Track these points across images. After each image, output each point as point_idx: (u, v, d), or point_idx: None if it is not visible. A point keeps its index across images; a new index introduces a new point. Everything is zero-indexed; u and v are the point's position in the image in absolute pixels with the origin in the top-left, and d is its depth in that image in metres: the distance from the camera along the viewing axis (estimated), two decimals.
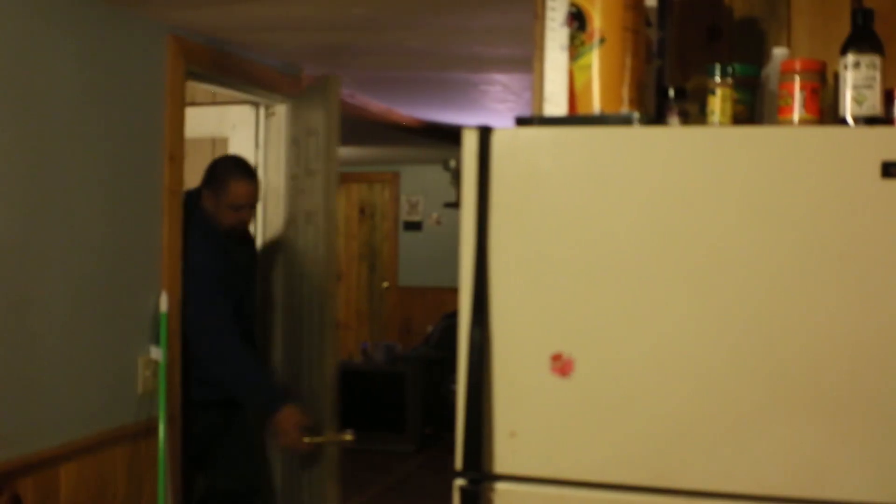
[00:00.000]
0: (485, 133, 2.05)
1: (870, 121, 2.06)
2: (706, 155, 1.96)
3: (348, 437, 3.96)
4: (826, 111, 2.14)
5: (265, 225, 4.59)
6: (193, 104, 4.48)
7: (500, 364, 2.04)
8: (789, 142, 1.93)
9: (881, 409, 1.88)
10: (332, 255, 4.18)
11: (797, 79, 2.10)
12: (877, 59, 2.07)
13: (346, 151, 9.54)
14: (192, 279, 3.84)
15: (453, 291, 2.23)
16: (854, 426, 1.89)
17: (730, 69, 2.13)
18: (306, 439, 3.85)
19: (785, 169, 1.92)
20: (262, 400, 3.91)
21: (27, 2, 3.13)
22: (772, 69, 2.29)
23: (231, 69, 4.26)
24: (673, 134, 2.04)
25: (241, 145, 4.58)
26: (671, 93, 2.25)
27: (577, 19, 2.10)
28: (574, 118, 2.11)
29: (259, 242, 4.60)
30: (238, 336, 3.91)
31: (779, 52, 2.32)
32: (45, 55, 3.21)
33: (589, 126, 2.06)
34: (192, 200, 3.96)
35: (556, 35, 2.26)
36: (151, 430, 3.71)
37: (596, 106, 2.09)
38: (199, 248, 3.91)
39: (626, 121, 2.05)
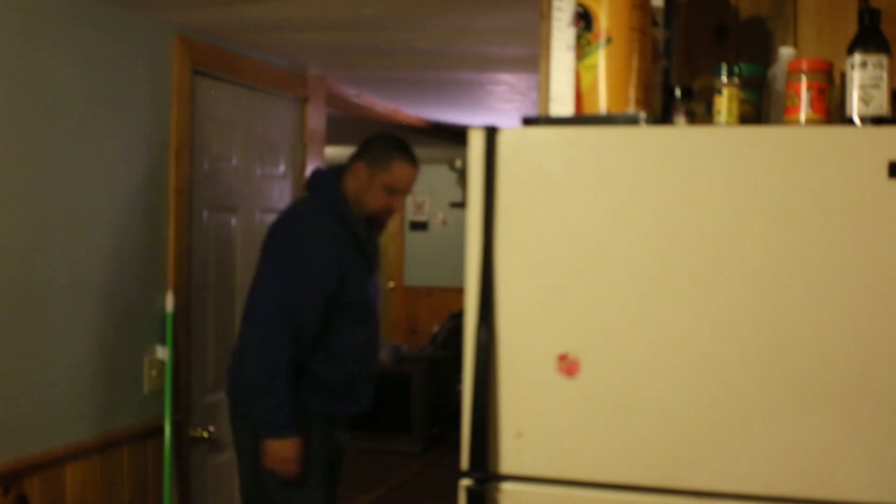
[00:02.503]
0: (491, 133, 2.05)
1: (877, 121, 2.06)
2: (712, 155, 1.96)
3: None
4: (833, 111, 2.14)
5: None
6: None
7: (507, 364, 2.04)
8: (796, 142, 1.93)
9: (889, 410, 1.88)
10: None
11: (804, 78, 2.10)
12: (884, 59, 2.07)
13: (351, 151, 9.54)
14: (294, 267, 3.38)
15: (459, 291, 2.23)
16: (862, 427, 1.89)
17: (736, 69, 2.13)
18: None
19: (792, 169, 1.92)
20: (280, 418, 3.39)
21: (34, 3, 3.14)
22: (778, 69, 2.28)
23: (237, 69, 4.27)
24: (679, 134, 2.04)
25: None
26: (678, 93, 2.25)
27: (584, 19, 2.10)
28: (580, 118, 2.11)
29: None
30: (288, 347, 3.37)
31: (785, 52, 2.31)
32: (51, 56, 3.21)
33: (595, 126, 2.06)
34: (322, 179, 3.62)
35: (562, 35, 2.26)
36: (157, 430, 3.72)
37: (602, 106, 2.09)
38: (320, 238, 3.43)
39: (632, 121, 2.04)
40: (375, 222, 3.58)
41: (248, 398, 3.41)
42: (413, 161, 3.59)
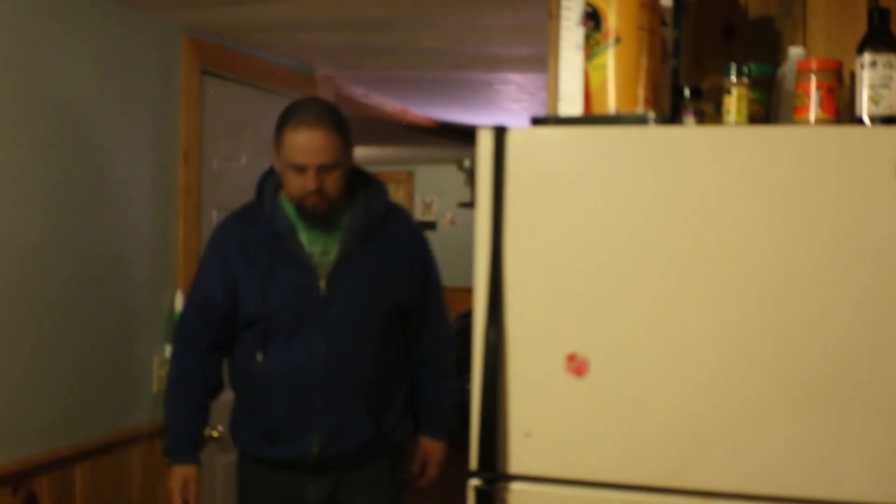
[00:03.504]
0: (500, 133, 2.05)
1: (886, 120, 2.05)
2: (722, 155, 1.96)
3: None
4: (842, 111, 2.13)
5: None
6: None
7: (515, 364, 2.04)
8: (805, 141, 1.93)
9: (893, 410, 1.87)
10: None
11: (813, 78, 2.09)
12: (893, 59, 2.06)
13: (360, 151, 9.54)
14: (196, 274, 3.10)
15: (468, 291, 2.23)
16: (870, 427, 1.88)
17: (745, 69, 2.12)
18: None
19: (801, 169, 1.91)
20: (167, 441, 3.02)
21: (43, 4, 3.14)
22: (788, 68, 2.28)
23: (246, 69, 4.27)
24: (688, 133, 2.04)
25: None
26: (686, 92, 2.25)
27: (593, 19, 2.10)
28: (589, 118, 2.11)
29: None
30: (196, 358, 2.99)
31: (795, 52, 2.31)
32: (61, 56, 3.22)
33: (604, 126, 2.05)
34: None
35: (571, 34, 2.26)
36: (166, 430, 3.72)
37: (611, 106, 2.08)
38: (210, 243, 3.05)
39: (641, 120, 2.04)
40: (310, 213, 2.85)
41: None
42: (307, 123, 2.78)
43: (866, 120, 2.07)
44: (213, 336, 2.97)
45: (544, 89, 4.28)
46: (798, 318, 1.91)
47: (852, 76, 2.16)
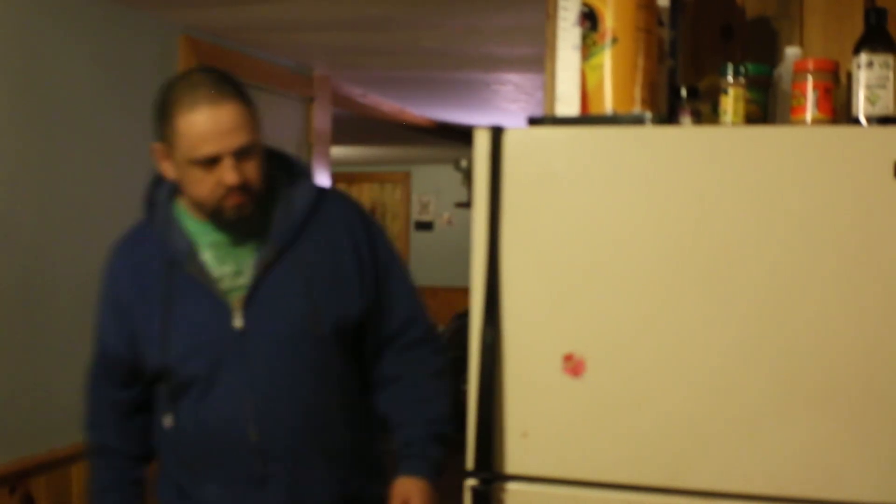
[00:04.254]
0: (497, 133, 2.05)
1: (883, 120, 2.05)
2: (718, 155, 1.96)
3: None
4: (839, 111, 2.13)
5: None
6: None
7: (512, 364, 2.04)
8: (802, 141, 1.93)
9: (891, 409, 1.87)
10: None
11: (810, 78, 2.10)
12: (890, 59, 2.06)
13: (357, 151, 9.56)
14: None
15: (465, 292, 2.23)
16: (866, 427, 1.88)
17: (742, 69, 2.12)
18: None
19: (797, 169, 1.91)
20: None
21: (42, 4, 3.14)
22: (784, 69, 2.28)
23: (243, 69, 4.27)
24: (685, 134, 2.04)
25: None
26: (683, 92, 2.25)
27: (590, 19, 2.10)
28: (586, 118, 2.11)
29: None
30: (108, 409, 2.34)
31: (791, 52, 2.31)
32: (59, 56, 3.22)
33: (601, 126, 2.05)
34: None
35: (568, 35, 2.26)
36: None
37: (608, 106, 2.08)
38: (103, 283, 2.33)
39: (638, 121, 2.04)
40: (233, 219, 2.16)
41: None
42: (207, 100, 2.10)
43: (863, 120, 2.07)
44: (124, 396, 2.31)
45: (541, 89, 4.28)
46: (794, 319, 1.91)
47: (849, 76, 2.16)
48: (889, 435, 1.88)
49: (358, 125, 6.77)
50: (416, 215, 11.21)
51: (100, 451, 2.36)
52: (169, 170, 2.19)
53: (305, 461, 2.22)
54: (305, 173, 2.36)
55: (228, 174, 2.09)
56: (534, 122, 2.12)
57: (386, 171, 11.27)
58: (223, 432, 2.18)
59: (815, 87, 2.09)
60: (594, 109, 2.10)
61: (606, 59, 2.08)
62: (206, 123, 2.08)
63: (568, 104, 2.24)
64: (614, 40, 2.07)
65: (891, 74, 2.06)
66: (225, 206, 2.13)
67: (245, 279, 2.19)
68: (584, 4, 2.10)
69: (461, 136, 7.19)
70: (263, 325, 2.18)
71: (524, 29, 3.75)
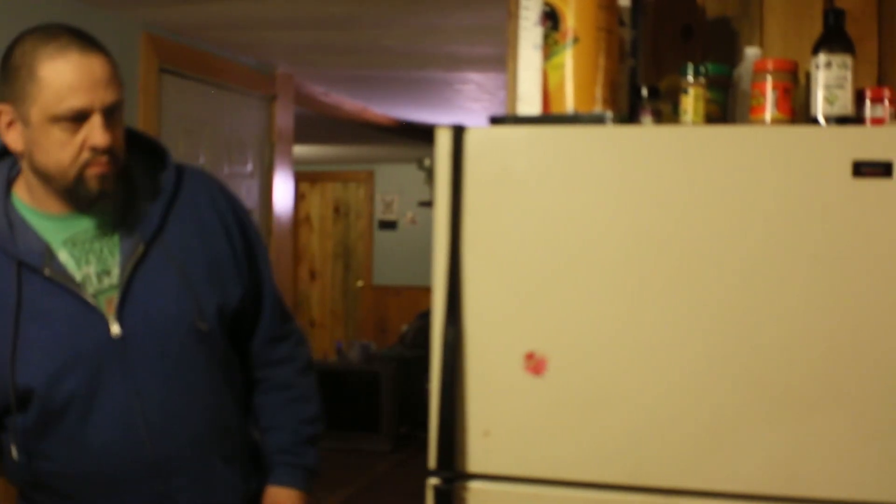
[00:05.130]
0: (458, 132, 2.05)
1: (841, 120, 2.07)
2: (679, 154, 1.97)
3: None
4: (798, 111, 2.15)
5: None
6: None
7: (474, 363, 2.04)
8: (761, 141, 1.94)
9: (856, 408, 1.89)
10: None
11: (769, 78, 2.11)
12: (848, 59, 2.08)
13: (320, 150, 9.54)
14: None
15: (428, 290, 2.22)
16: (829, 425, 1.90)
17: (703, 69, 2.14)
18: None
19: (757, 168, 1.93)
20: None
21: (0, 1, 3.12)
22: (744, 69, 2.29)
23: (204, 67, 4.25)
24: (646, 133, 2.05)
25: None
26: (644, 92, 2.26)
27: (551, 18, 2.10)
28: (547, 117, 2.11)
29: None
30: None
31: (751, 52, 2.33)
32: None
33: (562, 125, 2.06)
34: None
35: (529, 34, 2.26)
36: None
37: (569, 105, 2.09)
38: None
39: (599, 120, 2.05)
40: (94, 194, 1.87)
41: None
42: (77, 47, 1.85)
43: (821, 120, 2.09)
44: None
45: (503, 89, 4.28)
46: (756, 317, 1.92)
47: (808, 77, 2.18)
48: (852, 433, 1.89)
49: (321, 124, 6.75)
50: (379, 214, 11.20)
51: None
52: (14, 138, 1.85)
53: (211, 468, 2.01)
54: (159, 146, 2.05)
55: (98, 133, 1.80)
56: (495, 121, 2.12)
57: (349, 171, 11.25)
58: (113, 456, 1.90)
59: (774, 87, 2.11)
60: (556, 109, 2.10)
61: (568, 58, 2.09)
62: (76, 72, 1.80)
63: (529, 103, 2.25)
64: (575, 40, 2.08)
65: (849, 75, 2.08)
66: (87, 175, 1.83)
67: (113, 279, 1.91)
68: (546, 4, 2.11)
69: (424, 135, 7.19)
70: (143, 328, 1.90)
71: (486, 28, 3.76)
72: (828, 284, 1.90)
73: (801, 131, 1.97)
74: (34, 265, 1.85)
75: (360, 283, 11.18)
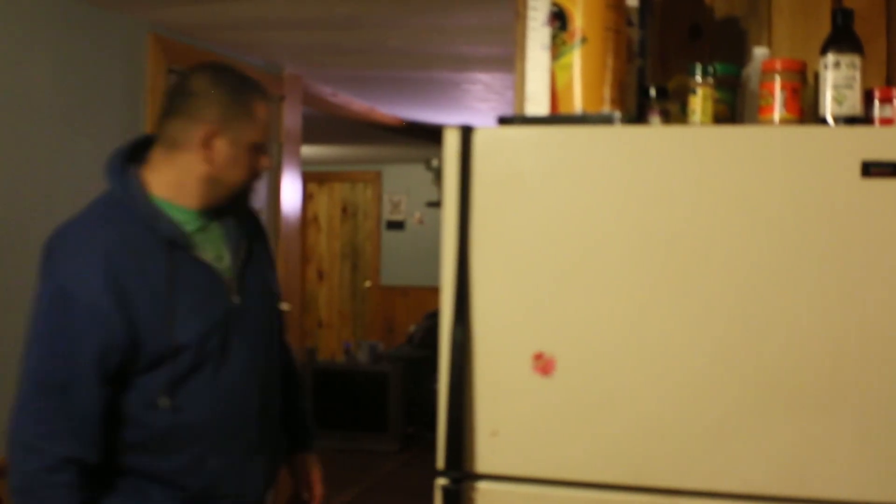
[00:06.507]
0: (466, 132, 2.05)
1: (850, 120, 2.07)
2: (687, 154, 1.97)
3: None
4: (806, 111, 2.15)
5: None
6: None
7: (482, 363, 2.04)
8: (770, 141, 1.94)
9: (863, 407, 1.89)
10: None
11: (778, 78, 2.11)
12: (857, 59, 2.08)
13: (328, 150, 9.54)
14: (54, 314, 2.14)
15: (436, 291, 2.23)
16: (836, 424, 1.90)
17: (711, 69, 2.13)
18: None
19: (765, 168, 1.92)
20: None
21: (10, 2, 3.12)
22: (752, 69, 2.29)
23: None
24: (654, 133, 2.05)
25: None
26: (652, 92, 2.26)
27: (559, 19, 2.10)
28: (555, 118, 2.11)
29: None
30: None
31: (759, 52, 2.32)
32: (26, 54, 3.19)
33: (570, 125, 2.06)
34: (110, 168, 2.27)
35: (537, 34, 2.26)
36: None
37: (577, 105, 2.09)
38: (84, 263, 2.15)
39: (607, 120, 2.05)
40: (239, 200, 2.32)
41: None
42: (263, 92, 2.31)
43: (830, 120, 2.08)
44: (104, 396, 2.12)
45: (511, 89, 4.28)
46: (764, 317, 1.92)
47: (816, 77, 2.18)
48: (858, 433, 1.89)
49: (328, 124, 6.76)
50: (387, 215, 11.19)
51: (66, 467, 2.07)
52: (209, 154, 2.21)
53: (276, 426, 2.42)
54: None
55: (267, 162, 2.30)
56: (503, 121, 2.12)
57: (357, 171, 11.25)
58: (236, 405, 2.26)
59: (782, 87, 2.10)
60: (564, 109, 2.10)
61: (576, 58, 2.09)
62: (267, 114, 2.28)
63: (537, 104, 2.25)
64: (583, 40, 2.08)
65: (857, 75, 2.07)
66: (249, 189, 2.32)
67: (225, 263, 2.29)
68: (554, 4, 2.11)
69: (432, 135, 7.19)
70: (253, 301, 2.32)
71: (494, 28, 3.76)
72: (836, 285, 1.89)
73: (810, 131, 1.97)
74: (183, 245, 2.20)
75: (367, 284, 11.18)
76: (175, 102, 2.24)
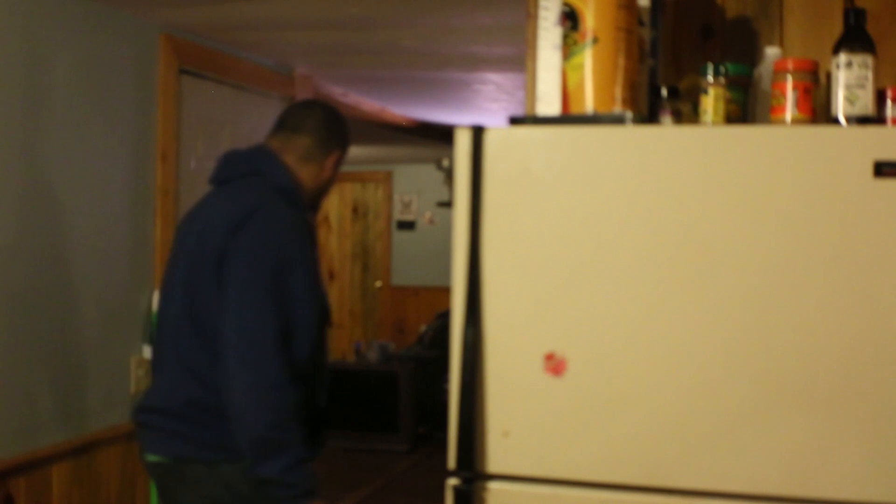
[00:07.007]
0: (478, 132, 2.05)
1: (862, 120, 2.06)
2: (699, 154, 1.96)
3: None
4: (818, 111, 2.14)
5: None
6: None
7: (493, 363, 2.04)
8: (782, 141, 1.94)
9: (874, 408, 1.88)
10: None
11: (790, 78, 2.10)
12: (869, 59, 2.07)
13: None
14: (281, 276, 2.59)
15: (446, 291, 2.23)
16: (847, 425, 1.89)
17: (722, 69, 2.13)
18: None
19: (777, 168, 1.92)
20: (291, 479, 2.51)
21: (21, 2, 3.13)
22: (764, 69, 2.29)
23: (223, 68, 4.26)
24: (665, 133, 2.04)
25: None
26: (664, 92, 2.25)
27: (570, 19, 2.10)
28: (567, 118, 2.11)
29: None
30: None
31: (771, 52, 2.32)
32: (38, 55, 3.20)
33: (582, 125, 2.06)
34: (265, 160, 2.77)
35: (548, 34, 2.26)
36: None
37: (589, 105, 2.09)
38: (293, 231, 2.68)
39: (618, 120, 2.05)
40: (316, 204, 2.92)
41: (255, 457, 2.49)
42: None
43: (842, 120, 2.08)
44: (301, 359, 2.65)
45: (522, 89, 4.28)
46: (776, 317, 1.92)
47: (828, 76, 2.17)
48: (869, 433, 1.88)
49: None
50: (398, 215, 11.20)
51: (295, 409, 2.55)
52: (328, 168, 2.86)
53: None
54: None
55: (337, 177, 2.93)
56: (515, 121, 2.12)
57: (367, 171, 11.25)
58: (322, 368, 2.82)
59: (794, 87, 2.10)
60: (575, 109, 2.10)
61: (587, 58, 2.09)
62: None
63: (549, 104, 2.25)
64: (595, 40, 2.08)
65: (870, 74, 2.07)
66: (325, 195, 2.93)
67: None
68: (565, 4, 2.11)
69: (442, 135, 7.18)
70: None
71: (504, 28, 3.75)
72: (848, 285, 1.89)
73: (822, 131, 1.97)
74: (314, 228, 2.84)
75: (378, 284, 11.18)
76: (307, 124, 2.84)
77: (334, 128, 2.90)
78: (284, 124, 2.87)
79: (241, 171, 2.75)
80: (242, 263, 2.55)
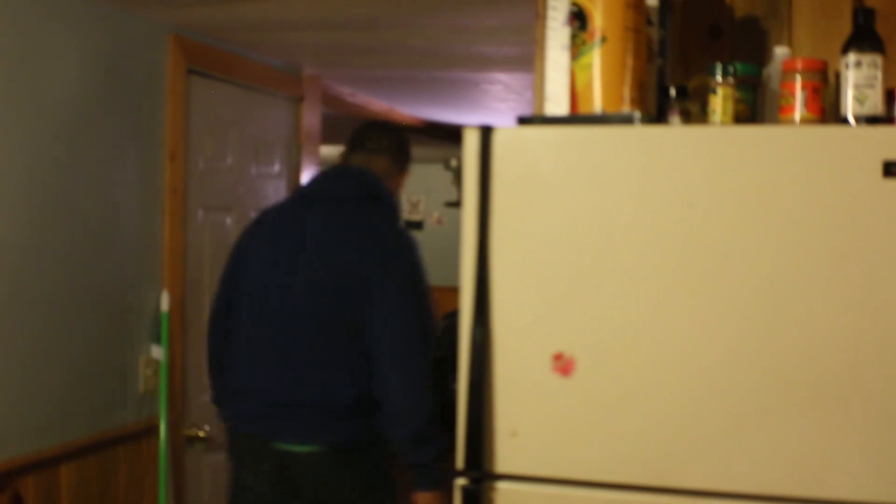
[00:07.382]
0: (486, 132, 2.05)
1: (871, 120, 2.06)
2: (707, 154, 1.96)
3: None
4: (827, 110, 2.14)
5: None
6: None
7: (502, 363, 2.04)
8: (791, 141, 1.93)
9: (880, 409, 1.88)
10: None
11: (798, 78, 2.10)
12: (878, 59, 2.07)
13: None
14: (418, 285, 3.11)
15: (454, 291, 2.23)
16: (854, 425, 1.89)
17: (731, 68, 2.13)
18: None
19: (786, 168, 1.92)
20: (435, 465, 3.05)
21: (28, 3, 3.13)
22: (773, 68, 2.28)
23: (232, 68, 4.27)
24: (674, 133, 2.04)
25: None
26: (672, 92, 2.25)
27: (579, 18, 2.10)
28: (575, 117, 2.11)
29: None
30: None
31: (780, 52, 2.32)
32: (47, 54, 3.21)
33: (590, 125, 2.06)
34: (375, 183, 3.20)
35: (557, 34, 2.26)
36: (152, 430, 3.72)
37: (597, 105, 2.09)
38: (411, 247, 3.17)
39: (627, 120, 2.04)
40: None
41: (412, 447, 2.98)
42: None
43: (851, 120, 2.08)
44: None
45: (531, 89, 4.28)
46: (783, 318, 1.92)
47: (837, 76, 2.17)
48: (876, 434, 1.88)
49: (347, 125, 6.75)
50: (405, 215, 11.20)
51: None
52: (399, 185, 3.32)
53: None
54: None
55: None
56: (523, 121, 2.12)
57: None
58: None
59: (803, 87, 2.10)
60: (583, 109, 2.10)
61: (595, 58, 2.08)
62: None
63: (557, 104, 2.25)
64: (603, 40, 2.08)
65: (879, 74, 2.07)
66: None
67: None
68: (574, 4, 2.11)
69: (451, 135, 7.18)
70: None
71: (513, 28, 3.75)
72: (857, 286, 1.89)
73: (831, 131, 1.96)
74: None
75: None
76: (383, 145, 3.25)
77: (405, 148, 3.32)
78: (363, 145, 3.27)
79: (359, 192, 3.12)
80: (399, 283, 3.00)
